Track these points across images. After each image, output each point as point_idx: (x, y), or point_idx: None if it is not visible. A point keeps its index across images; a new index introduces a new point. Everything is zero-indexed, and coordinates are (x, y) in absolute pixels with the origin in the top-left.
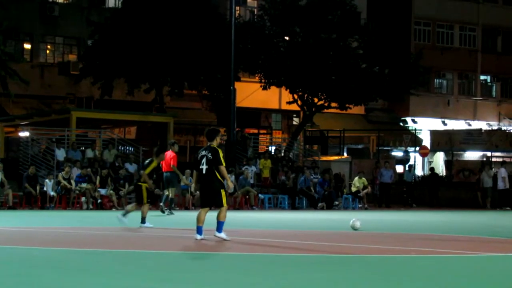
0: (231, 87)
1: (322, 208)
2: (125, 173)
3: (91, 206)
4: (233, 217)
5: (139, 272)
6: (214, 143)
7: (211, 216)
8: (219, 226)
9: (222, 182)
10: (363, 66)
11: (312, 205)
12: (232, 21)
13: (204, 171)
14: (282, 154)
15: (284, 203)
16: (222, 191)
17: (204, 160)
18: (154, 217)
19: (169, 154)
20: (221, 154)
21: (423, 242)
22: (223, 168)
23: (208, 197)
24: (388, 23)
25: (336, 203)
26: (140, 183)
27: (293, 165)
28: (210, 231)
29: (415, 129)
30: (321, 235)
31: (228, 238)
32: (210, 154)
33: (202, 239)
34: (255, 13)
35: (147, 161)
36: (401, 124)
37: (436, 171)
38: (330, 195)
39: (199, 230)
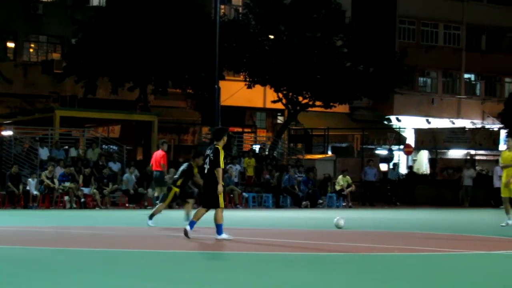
0: (216, 86)
1: (306, 207)
2: (109, 172)
3: (74, 205)
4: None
5: (134, 272)
6: (220, 143)
7: (209, 216)
8: (218, 229)
9: (215, 185)
10: (348, 64)
11: (296, 204)
12: (217, 20)
13: (206, 171)
14: (267, 153)
15: (268, 201)
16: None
17: (207, 160)
18: (143, 215)
19: (159, 153)
20: (221, 156)
21: (407, 240)
22: (218, 170)
23: (206, 197)
24: (373, 22)
25: (320, 201)
26: (171, 186)
27: (277, 163)
28: (199, 229)
29: (399, 128)
30: (306, 233)
31: (231, 238)
32: (212, 154)
33: (186, 232)
34: (240, 11)
35: (185, 167)
36: (385, 122)
37: (421, 169)
38: (314, 194)
39: (191, 224)
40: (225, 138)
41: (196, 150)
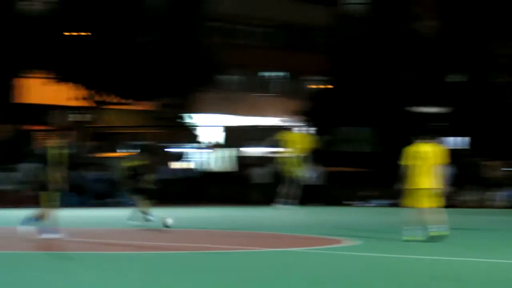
0: (9, 83)
1: (100, 206)
2: None
3: None
4: (17, 215)
5: None
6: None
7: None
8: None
9: (43, 184)
10: (151, 62)
11: (84, 202)
12: (17, 15)
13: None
14: (66, 151)
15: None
16: (42, 194)
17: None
18: None
19: None
20: (52, 155)
21: (200, 238)
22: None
23: None
24: (178, 19)
25: (117, 200)
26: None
27: (77, 162)
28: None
29: (199, 126)
30: (94, 232)
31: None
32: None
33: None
34: (44, 7)
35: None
36: (184, 120)
37: (220, 167)
38: (111, 192)
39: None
40: (60, 138)
41: (143, 146)
